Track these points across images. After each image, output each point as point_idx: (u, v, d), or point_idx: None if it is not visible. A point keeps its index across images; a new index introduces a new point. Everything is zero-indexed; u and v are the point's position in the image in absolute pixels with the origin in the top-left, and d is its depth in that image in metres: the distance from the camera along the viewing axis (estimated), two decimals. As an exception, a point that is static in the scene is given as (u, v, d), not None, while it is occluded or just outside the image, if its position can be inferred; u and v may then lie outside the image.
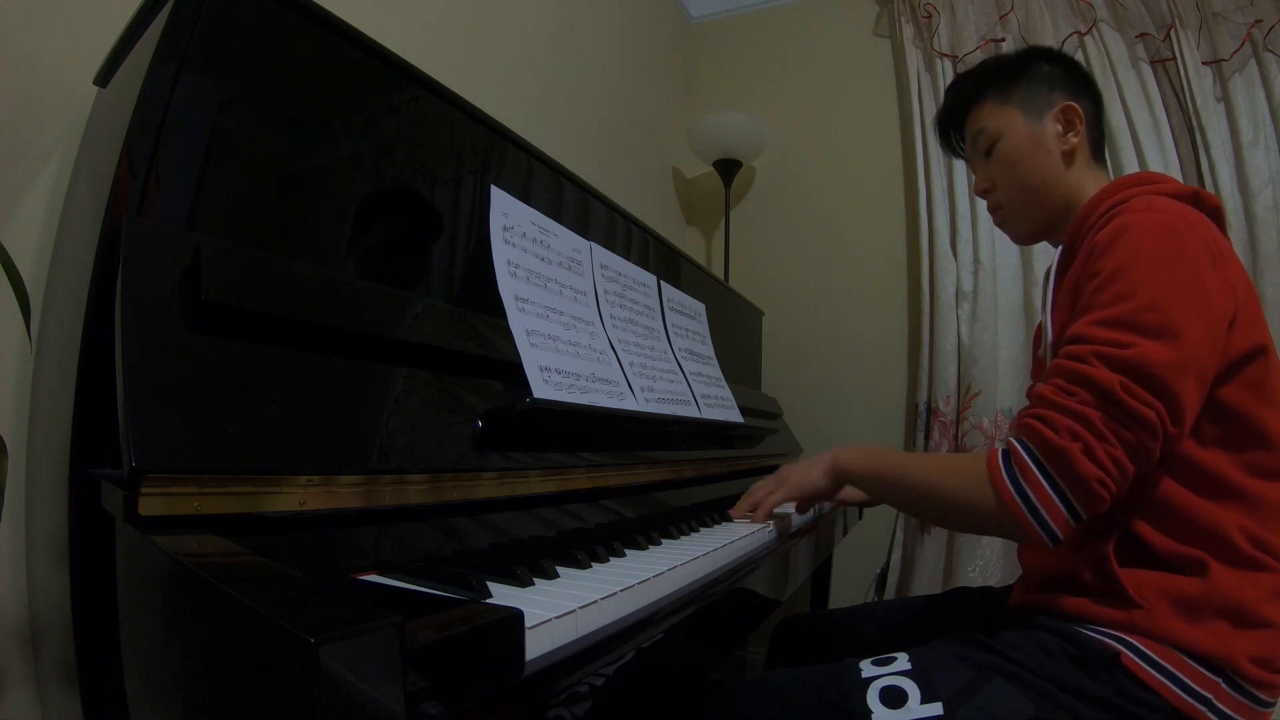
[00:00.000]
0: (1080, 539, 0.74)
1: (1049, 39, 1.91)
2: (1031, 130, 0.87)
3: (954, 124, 0.96)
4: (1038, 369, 0.89)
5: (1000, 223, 0.95)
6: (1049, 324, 0.82)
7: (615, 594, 0.52)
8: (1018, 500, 0.66)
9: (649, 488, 1.03)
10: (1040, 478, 0.65)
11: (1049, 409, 0.66)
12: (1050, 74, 0.88)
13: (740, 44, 2.45)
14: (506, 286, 0.81)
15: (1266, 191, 1.68)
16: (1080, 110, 0.86)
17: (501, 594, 0.50)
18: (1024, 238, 0.95)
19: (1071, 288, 0.77)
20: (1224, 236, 0.75)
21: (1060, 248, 0.84)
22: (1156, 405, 0.64)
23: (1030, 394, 0.72)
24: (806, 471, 0.93)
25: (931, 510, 0.83)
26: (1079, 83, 0.89)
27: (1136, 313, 0.66)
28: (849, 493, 1.00)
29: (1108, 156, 1.80)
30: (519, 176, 0.95)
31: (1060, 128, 0.87)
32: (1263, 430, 0.70)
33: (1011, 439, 0.69)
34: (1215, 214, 0.78)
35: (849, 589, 2.05)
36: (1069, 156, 0.87)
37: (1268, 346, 0.71)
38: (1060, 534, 0.66)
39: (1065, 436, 0.64)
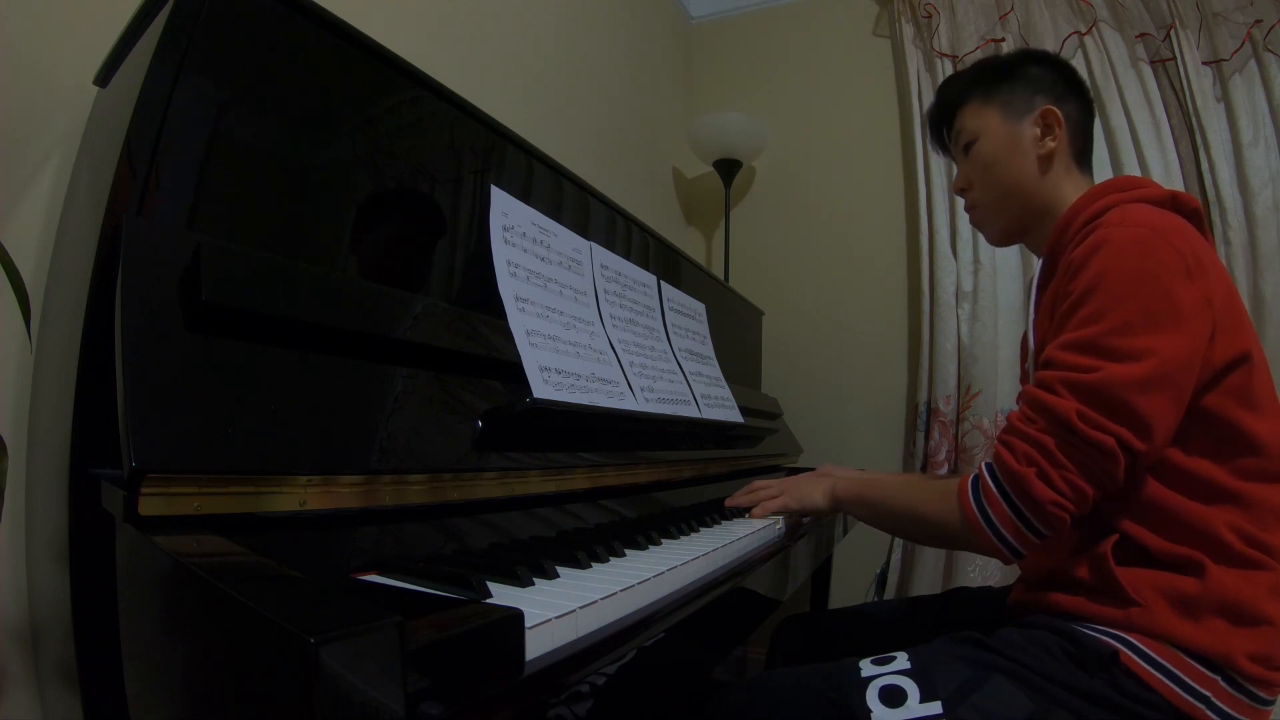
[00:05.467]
0: (1078, 539, 0.74)
1: (1049, 39, 1.91)
2: (1009, 132, 0.88)
3: (943, 122, 0.97)
4: (1025, 381, 0.90)
5: (975, 223, 0.96)
6: (1031, 336, 0.83)
7: (615, 594, 0.52)
8: (979, 519, 0.72)
9: (649, 488, 1.03)
10: (1000, 500, 0.70)
11: (1012, 435, 0.71)
12: (1038, 77, 0.88)
13: (740, 44, 2.45)
14: (506, 286, 0.81)
15: (1266, 191, 1.68)
16: (1060, 115, 0.86)
17: (501, 594, 0.50)
18: (997, 238, 0.95)
19: (1051, 301, 0.78)
20: (1205, 240, 0.75)
21: (1041, 260, 0.85)
22: (1116, 430, 0.66)
23: (1009, 415, 0.75)
24: (810, 491, 1.00)
25: (912, 530, 0.88)
26: (1068, 88, 0.88)
27: (1103, 336, 0.68)
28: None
29: (1109, 156, 1.82)
30: (519, 176, 0.95)
31: (1038, 131, 0.87)
32: (1250, 436, 0.70)
33: (982, 464, 0.74)
34: (1194, 216, 0.78)
35: (849, 589, 2.06)
36: (1046, 161, 0.87)
37: (1251, 353, 0.71)
38: (1021, 549, 0.71)
39: (1022, 462, 0.69)
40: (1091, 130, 0.90)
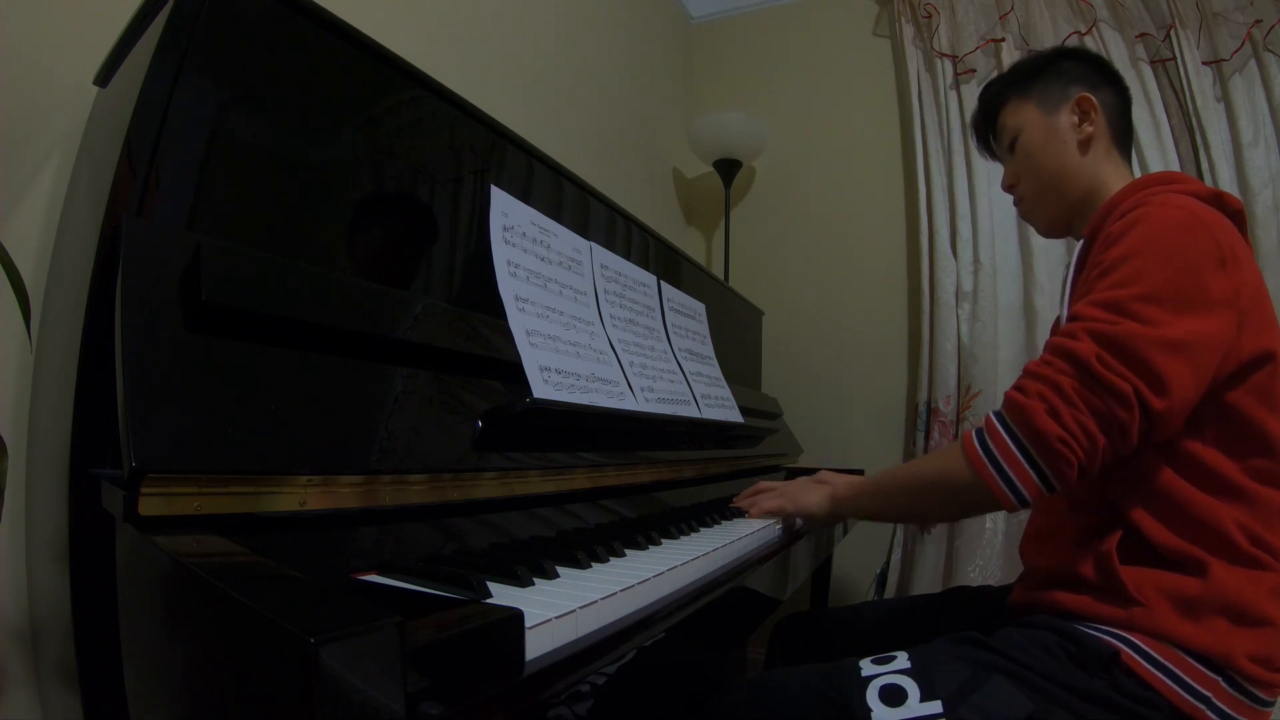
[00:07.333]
0: (1082, 536, 0.74)
1: (1049, 39, 1.91)
2: (1047, 122, 0.90)
3: (987, 125, 0.99)
4: None
5: (1024, 215, 0.98)
6: (1064, 317, 0.82)
7: (615, 594, 0.52)
8: (985, 462, 0.70)
9: (649, 487, 1.03)
10: (1006, 438, 0.69)
11: (1027, 377, 0.70)
12: (1070, 70, 0.90)
13: (740, 44, 2.45)
14: (506, 286, 0.81)
15: (1266, 191, 1.68)
16: (1096, 101, 0.87)
17: (501, 594, 0.50)
18: (1045, 229, 0.97)
19: (1086, 280, 0.77)
20: (1244, 240, 0.75)
21: (1081, 242, 0.85)
22: (1132, 379, 0.65)
23: (1027, 365, 0.74)
24: (808, 497, 0.98)
25: (917, 500, 0.85)
26: (1102, 77, 0.90)
27: (1131, 300, 0.68)
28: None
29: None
30: (519, 176, 0.95)
31: (1075, 118, 0.88)
32: (1266, 437, 0.70)
33: (990, 412, 0.73)
34: (1237, 217, 0.78)
35: (849, 589, 2.06)
36: (1085, 145, 0.88)
37: (1276, 354, 0.71)
38: (1028, 496, 0.69)
39: (1033, 397, 0.67)
40: (1129, 117, 0.92)
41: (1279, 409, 0.71)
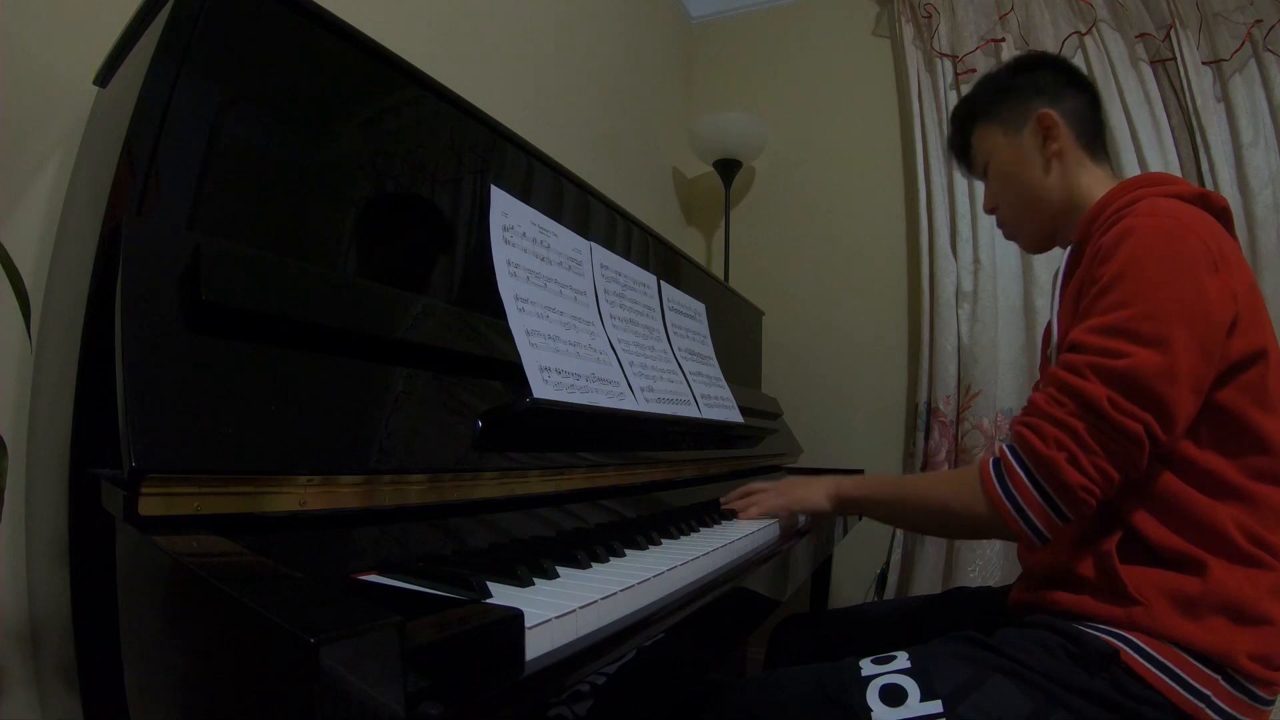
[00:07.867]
0: (1082, 536, 0.74)
1: (1049, 39, 1.91)
2: (1014, 144, 0.90)
3: (963, 150, 0.99)
4: (1044, 369, 0.90)
5: (1008, 236, 0.99)
6: (1055, 324, 0.82)
7: (615, 594, 0.52)
8: (1007, 505, 0.71)
9: (649, 487, 1.03)
10: (1028, 484, 0.70)
11: (1039, 418, 0.70)
12: (1029, 84, 0.90)
13: (740, 44, 2.45)
14: (506, 286, 0.81)
15: (1266, 191, 1.68)
16: (1056, 115, 0.87)
17: (501, 594, 0.50)
18: (1031, 247, 0.97)
19: (1076, 289, 0.78)
20: (1231, 238, 0.76)
21: (1069, 249, 0.85)
22: (1144, 417, 0.66)
23: (1031, 397, 0.74)
24: (808, 492, 0.98)
25: (928, 520, 0.87)
26: (1064, 85, 0.89)
27: (1132, 320, 0.68)
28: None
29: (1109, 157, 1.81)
30: (519, 176, 0.95)
31: (1040, 137, 0.88)
32: (1261, 435, 0.70)
33: (1003, 446, 0.73)
34: (1223, 215, 0.78)
35: (849, 589, 2.06)
36: (1055, 161, 0.88)
37: (1268, 351, 0.71)
38: (1047, 534, 0.71)
39: (1052, 446, 0.68)
40: (1099, 118, 0.91)
41: (1272, 406, 0.71)
